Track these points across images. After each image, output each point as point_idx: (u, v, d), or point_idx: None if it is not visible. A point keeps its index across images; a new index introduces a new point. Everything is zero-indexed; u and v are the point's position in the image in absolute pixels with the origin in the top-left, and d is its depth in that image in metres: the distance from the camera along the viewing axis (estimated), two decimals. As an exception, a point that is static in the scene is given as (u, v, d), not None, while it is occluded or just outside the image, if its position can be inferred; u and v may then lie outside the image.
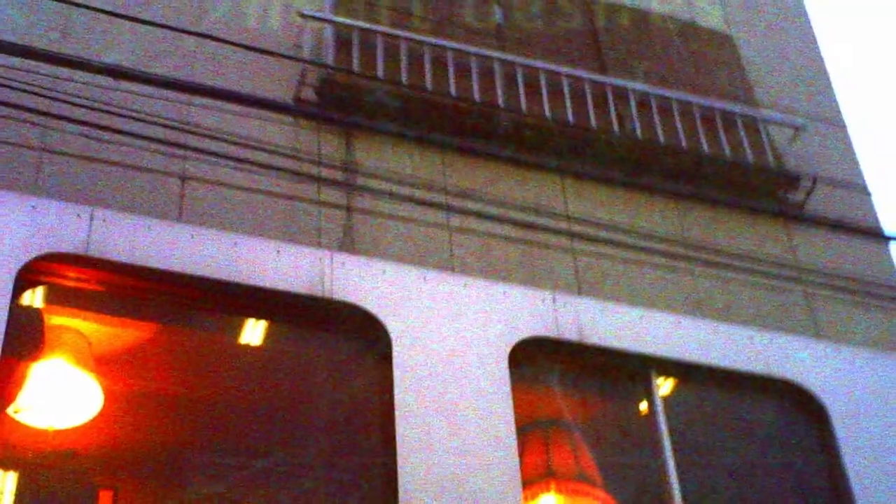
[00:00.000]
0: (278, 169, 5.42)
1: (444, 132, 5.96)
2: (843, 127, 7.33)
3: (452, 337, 5.05)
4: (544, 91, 6.25)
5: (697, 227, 6.23)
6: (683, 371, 5.49)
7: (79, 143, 5.14)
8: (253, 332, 5.05)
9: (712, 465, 5.45)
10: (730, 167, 6.39)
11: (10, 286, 4.50)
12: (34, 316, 4.71)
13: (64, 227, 4.76)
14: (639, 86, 6.51)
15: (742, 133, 6.57)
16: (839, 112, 7.40)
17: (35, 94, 5.05)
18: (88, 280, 4.81)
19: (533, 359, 5.26)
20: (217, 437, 4.79)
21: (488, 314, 5.19)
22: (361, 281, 5.09)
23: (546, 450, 5.24)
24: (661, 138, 6.32)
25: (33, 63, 5.07)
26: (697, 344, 5.53)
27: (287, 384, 5.02)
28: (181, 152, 5.29)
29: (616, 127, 6.28)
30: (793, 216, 6.47)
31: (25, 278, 4.62)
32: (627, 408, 5.52)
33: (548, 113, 6.16)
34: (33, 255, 4.65)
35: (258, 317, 5.03)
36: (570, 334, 5.31)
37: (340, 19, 6.13)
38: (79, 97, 5.15)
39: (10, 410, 4.46)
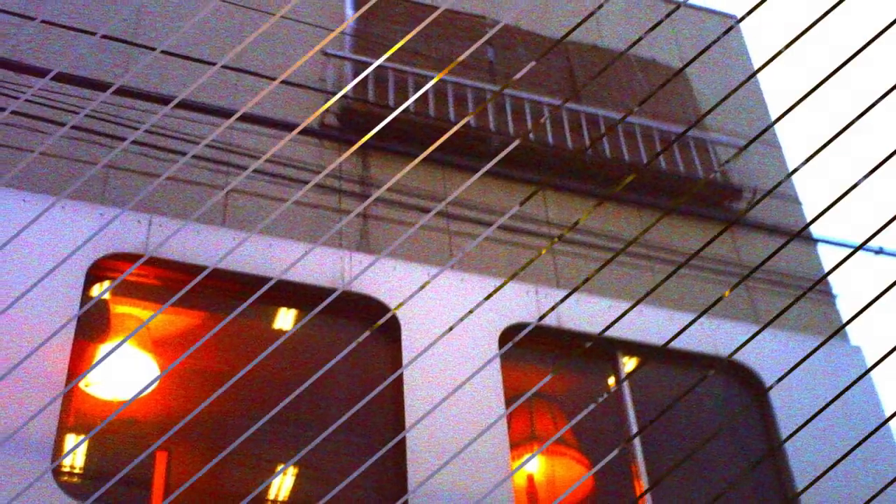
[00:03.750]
0: (306, 182, 5.43)
1: (445, 152, 5.97)
2: (779, 147, 7.34)
3: (451, 323, 5.05)
4: (528, 117, 6.27)
5: (656, 231, 6.24)
6: (645, 352, 5.51)
7: (139, 160, 5.15)
8: (284, 318, 5.06)
9: (669, 431, 5.46)
10: (683, 181, 6.40)
11: (82, 281, 4.52)
12: (102, 306, 4.73)
13: (126, 231, 4.77)
14: (608, 113, 6.53)
15: (694, 152, 6.58)
16: (775, 135, 7.41)
17: (102, 119, 5.07)
18: (147, 276, 4.82)
19: (519, 341, 5.26)
20: (254, 407, 4.80)
21: (482, 304, 5.20)
22: (375, 276, 5.11)
23: (530, 417, 5.25)
24: (626, 157, 6.33)
25: (101, 94, 5.08)
26: (656, 329, 5.55)
27: (313, 362, 5.03)
28: (225, 168, 5.30)
29: (588, 147, 6.28)
30: (736, 222, 6.47)
31: (94, 274, 4.64)
32: (598, 382, 5.53)
33: (531, 136, 6.17)
34: (101, 254, 4.66)
35: (289, 306, 5.04)
36: (549, 321, 5.33)
37: (358, 57, 6.15)
38: (139, 122, 5.16)
39: (81, 385, 4.48)
